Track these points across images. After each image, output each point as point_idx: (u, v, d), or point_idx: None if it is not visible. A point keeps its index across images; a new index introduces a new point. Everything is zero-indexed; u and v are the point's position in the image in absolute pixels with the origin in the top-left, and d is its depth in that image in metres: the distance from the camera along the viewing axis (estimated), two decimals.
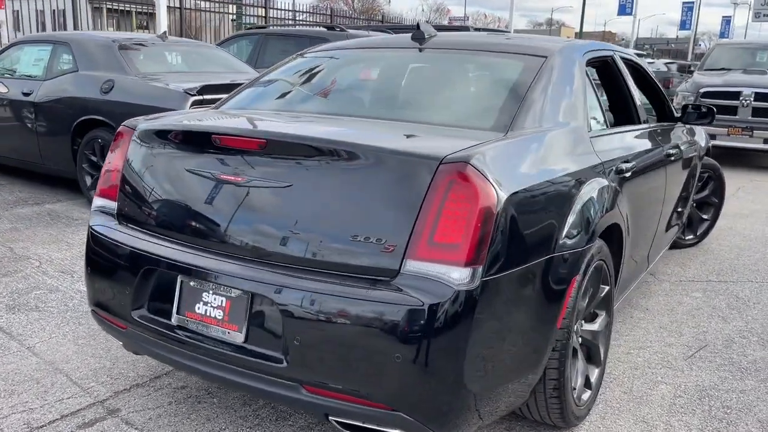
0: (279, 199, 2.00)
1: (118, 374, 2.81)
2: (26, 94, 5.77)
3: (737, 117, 9.04)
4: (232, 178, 2.09)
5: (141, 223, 2.30)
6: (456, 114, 2.48)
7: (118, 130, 2.50)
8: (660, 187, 3.33)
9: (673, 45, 68.42)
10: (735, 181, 8.05)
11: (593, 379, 2.63)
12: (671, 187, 3.64)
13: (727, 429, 2.55)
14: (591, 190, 2.34)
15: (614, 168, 2.65)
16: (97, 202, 2.49)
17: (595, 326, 2.64)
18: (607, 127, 2.90)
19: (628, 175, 2.77)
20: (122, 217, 2.38)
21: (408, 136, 2.12)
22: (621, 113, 3.37)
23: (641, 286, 4.12)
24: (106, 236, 2.34)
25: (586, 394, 2.56)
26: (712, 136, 9.18)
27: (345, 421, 1.92)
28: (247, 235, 2.03)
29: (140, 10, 22.04)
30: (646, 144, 3.16)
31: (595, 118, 2.81)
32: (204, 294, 2.08)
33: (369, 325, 1.80)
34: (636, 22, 31.43)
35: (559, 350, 2.20)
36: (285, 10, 14.55)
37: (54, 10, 21.00)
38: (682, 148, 3.93)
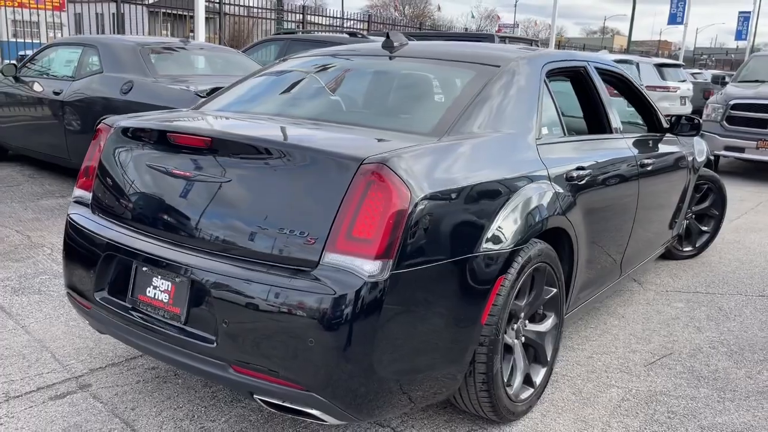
0: (220, 194, 2.18)
1: (98, 354, 3.03)
2: (57, 93, 6.13)
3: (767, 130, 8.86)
4: (182, 173, 2.27)
5: (108, 213, 2.51)
6: (400, 119, 2.62)
7: (97, 127, 2.72)
8: (630, 195, 3.38)
9: (732, 55, 66.56)
10: (758, 196, 7.91)
11: (537, 378, 2.72)
12: (649, 196, 3.67)
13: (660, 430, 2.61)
14: (527, 194, 2.44)
15: (564, 175, 2.74)
16: (76, 192, 2.72)
17: (541, 327, 2.73)
18: (565, 135, 2.98)
19: (582, 182, 2.85)
20: (95, 207, 2.59)
21: (339, 138, 2.27)
22: (592, 123, 3.44)
23: (622, 294, 4.16)
24: (78, 224, 2.56)
25: (527, 392, 2.65)
26: (741, 149, 9.03)
27: (268, 400, 2.08)
28: (191, 225, 2.21)
29: (193, 14, 22.90)
30: (611, 153, 3.22)
31: (549, 127, 2.90)
32: (154, 279, 2.26)
33: (287, 312, 1.96)
34: (686, 31, 30.78)
35: (487, 345, 2.31)
36: (322, 15, 14.87)
37: (113, 14, 21.84)
38: (666, 158, 3.96)
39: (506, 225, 2.31)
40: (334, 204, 1.99)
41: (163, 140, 2.37)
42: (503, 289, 2.33)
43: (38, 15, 21.45)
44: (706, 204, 5.04)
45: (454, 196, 2.13)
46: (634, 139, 3.63)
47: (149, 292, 2.28)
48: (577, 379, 3.02)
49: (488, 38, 9.09)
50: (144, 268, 2.29)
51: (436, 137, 2.32)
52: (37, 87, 6.42)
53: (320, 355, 1.94)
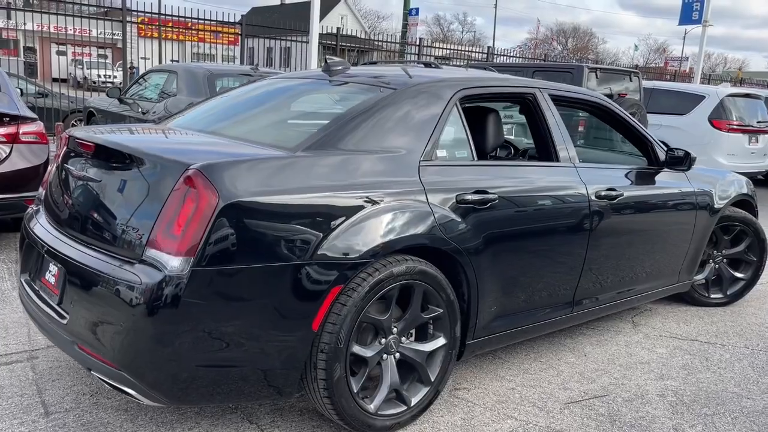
0: (90, 192, 2.51)
1: None
2: (143, 113, 6.95)
3: None
4: (78, 173, 2.63)
5: (44, 208, 2.93)
6: (279, 134, 2.79)
7: (61, 136, 3.17)
8: (571, 226, 3.24)
9: None
10: None
11: (415, 397, 2.73)
12: (617, 232, 3.50)
13: None
14: (383, 211, 2.50)
15: (455, 197, 2.75)
16: (39, 191, 3.18)
17: (423, 347, 2.75)
18: (474, 159, 2.97)
19: (484, 206, 2.83)
20: (42, 203, 3.03)
21: (186, 148, 2.52)
22: (539, 150, 3.38)
23: (604, 333, 3.95)
24: (27, 217, 3.00)
25: (397, 409, 2.68)
26: None
27: (99, 376, 2.33)
28: (71, 219, 2.56)
29: (351, 47, 24.63)
30: (538, 181, 3.13)
31: (451, 150, 2.92)
32: (50, 265, 2.62)
33: (109, 297, 2.21)
34: None
35: (326, 353, 2.40)
36: (434, 47, 15.20)
37: (281, 48, 23.80)
38: (653, 194, 3.75)
39: (346, 238, 2.39)
40: (160, 203, 2.22)
41: (75, 147, 2.75)
42: (347, 299, 2.41)
43: (216, 48, 23.89)
44: (740, 248, 4.61)
45: (279, 205, 2.27)
46: (597, 170, 3.49)
47: (47, 276, 2.63)
48: (479, 406, 2.96)
49: (577, 70, 8.84)
50: (45, 256, 2.66)
51: (292, 151, 2.48)
52: (134, 107, 7.30)
53: (129, 339, 2.16)
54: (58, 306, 2.49)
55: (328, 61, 3.25)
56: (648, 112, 10.53)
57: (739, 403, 3.16)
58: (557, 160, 3.31)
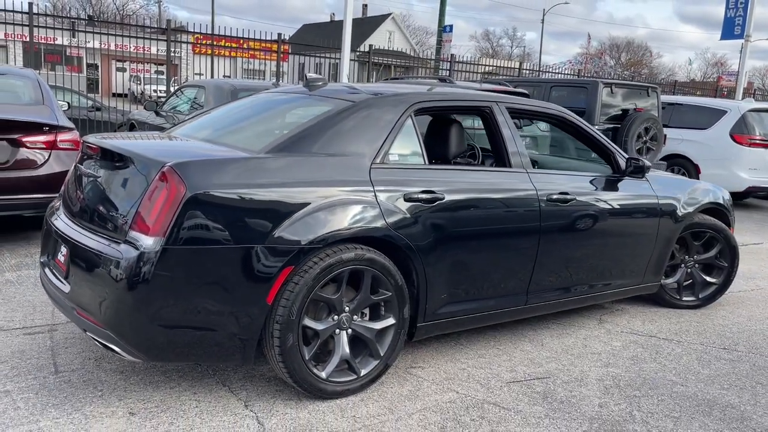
0: (94, 187, 3.04)
1: None
2: (175, 125, 7.57)
3: None
4: (86, 171, 3.16)
5: (62, 202, 3.48)
6: (251, 140, 3.26)
7: (79, 141, 3.74)
8: (521, 225, 3.61)
9: None
10: None
11: (365, 369, 3.14)
12: (571, 233, 3.84)
13: (455, 429, 2.89)
14: (334, 205, 2.94)
15: (403, 195, 3.17)
16: (61, 189, 3.74)
17: (374, 325, 3.17)
18: (425, 164, 3.39)
19: (431, 204, 3.23)
20: (62, 199, 3.58)
21: (170, 150, 3.03)
22: (495, 157, 3.77)
23: (568, 328, 4.27)
24: (48, 211, 3.56)
25: (347, 377, 3.10)
26: None
27: (92, 336, 2.83)
28: (80, 209, 3.09)
29: (397, 64, 25.32)
30: (489, 183, 3.51)
31: (404, 155, 3.34)
32: (62, 247, 3.15)
33: (99, 269, 2.72)
34: None
35: (281, 324, 2.85)
36: (464, 63, 15.58)
37: (330, 63, 24.64)
38: (610, 199, 4.07)
39: (297, 227, 2.84)
40: (142, 193, 2.73)
41: (88, 149, 3.29)
42: (300, 279, 2.86)
43: (265, 65, 24.87)
44: (711, 254, 4.86)
45: (240, 196, 2.74)
46: (551, 176, 3.86)
47: (59, 256, 3.17)
48: (428, 381, 3.35)
49: (592, 85, 9.11)
50: (58, 240, 3.19)
51: (258, 153, 2.96)
52: (168, 119, 7.95)
53: (113, 304, 2.66)
54: (64, 279, 3.02)
55: (308, 77, 3.72)
56: (670, 127, 10.71)
57: (672, 389, 3.46)
58: (510, 166, 3.69)
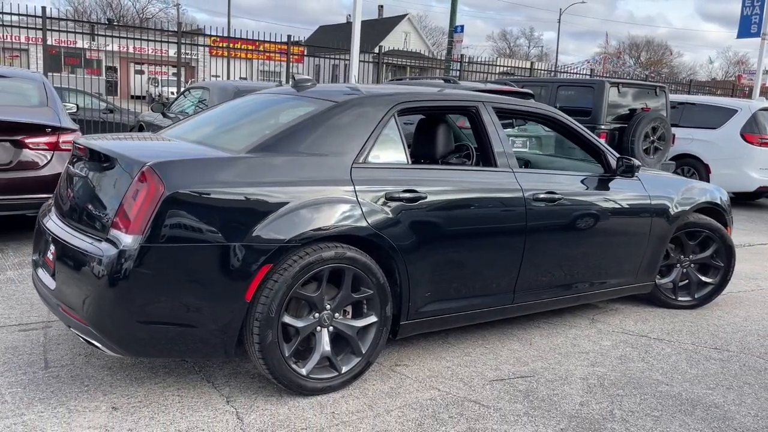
0: (81, 186, 3.11)
1: None
2: None
3: None
4: (75, 172, 3.24)
5: (53, 202, 3.56)
6: (235, 140, 3.30)
7: (71, 144, 3.82)
8: (507, 224, 3.62)
9: None
10: None
11: (346, 366, 3.18)
12: (558, 232, 3.85)
13: (432, 425, 2.92)
14: (314, 203, 2.98)
15: (384, 194, 3.20)
16: (54, 190, 3.83)
17: (355, 322, 3.20)
18: (408, 163, 3.41)
19: (414, 203, 3.26)
20: (53, 199, 3.66)
21: (153, 150, 3.08)
22: (481, 156, 3.79)
23: (558, 327, 4.27)
24: (41, 211, 3.64)
25: (328, 374, 3.14)
26: None
27: (76, 332, 2.90)
28: (69, 208, 3.16)
29: (413, 64, 25.44)
30: (473, 183, 3.53)
31: (386, 155, 3.36)
32: (51, 245, 3.23)
33: (82, 267, 2.78)
34: None
35: (260, 321, 2.90)
36: (475, 63, 15.56)
37: (344, 65, 24.75)
38: (600, 199, 4.06)
39: (276, 225, 2.89)
40: (124, 193, 2.79)
41: (76, 151, 3.36)
42: (279, 277, 2.90)
43: (281, 66, 25.04)
44: (707, 253, 4.83)
45: (219, 195, 2.79)
46: (538, 175, 3.87)
47: (48, 254, 3.24)
48: (411, 379, 3.38)
49: (598, 84, 9.06)
50: (49, 238, 3.27)
51: (241, 153, 3.01)
52: (175, 120, 8.05)
53: (95, 300, 2.72)
54: (51, 277, 3.09)
55: (295, 77, 3.77)
56: (680, 126, 10.62)
57: (656, 388, 3.46)
58: (495, 165, 3.71)
